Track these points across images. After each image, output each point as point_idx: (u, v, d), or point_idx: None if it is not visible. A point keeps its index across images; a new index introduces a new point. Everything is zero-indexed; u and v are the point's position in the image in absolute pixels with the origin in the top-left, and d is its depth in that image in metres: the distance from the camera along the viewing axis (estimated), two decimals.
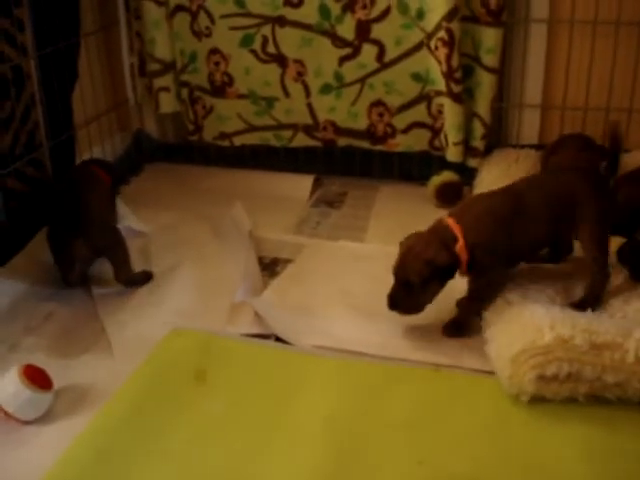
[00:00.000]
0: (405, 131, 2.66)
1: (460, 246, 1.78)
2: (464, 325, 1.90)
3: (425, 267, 1.77)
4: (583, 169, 1.99)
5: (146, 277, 2.19)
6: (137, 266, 2.22)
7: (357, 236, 2.42)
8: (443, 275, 1.81)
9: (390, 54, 2.55)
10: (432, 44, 2.45)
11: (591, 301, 1.83)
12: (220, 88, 2.76)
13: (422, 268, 1.77)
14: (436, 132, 2.63)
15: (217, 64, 2.72)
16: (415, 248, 1.80)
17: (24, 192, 2.30)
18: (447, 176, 2.58)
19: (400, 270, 1.81)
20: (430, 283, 1.80)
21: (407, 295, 1.82)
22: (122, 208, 2.48)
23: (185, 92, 2.80)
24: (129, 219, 2.48)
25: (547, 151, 2.45)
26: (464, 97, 2.49)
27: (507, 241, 1.83)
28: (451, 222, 1.81)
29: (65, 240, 2.08)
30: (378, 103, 2.64)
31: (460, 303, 1.90)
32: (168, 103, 2.82)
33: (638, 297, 1.85)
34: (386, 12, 2.50)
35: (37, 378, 1.66)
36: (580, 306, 1.82)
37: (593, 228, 1.87)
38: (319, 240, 2.40)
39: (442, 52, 2.41)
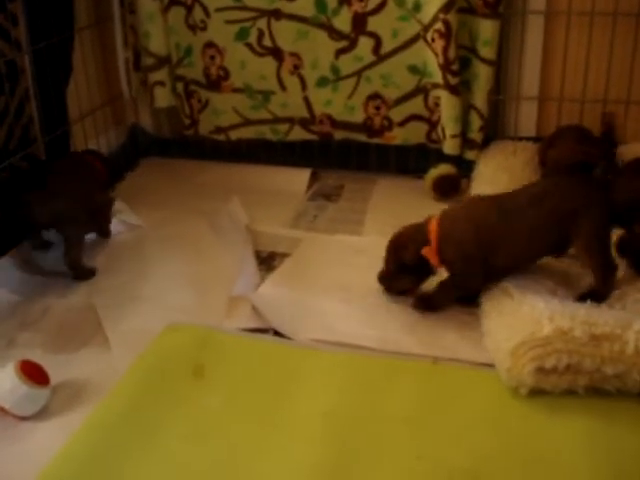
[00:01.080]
0: (402, 124, 2.65)
1: (430, 250, 1.86)
2: (433, 304, 1.93)
3: (393, 261, 1.94)
4: (580, 178, 1.95)
5: (89, 273, 2.18)
6: (134, 260, 2.22)
7: (354, 229, 2.41)
8: (414, 270, 1.93)
9: (387, 47, 2.54)
10: (429, 36, 2.44)
11: (600, 296, 1.82)
12: (216, 82, 2.74)
13: (391, 261, 1.95)
14: (433, 125, 2.62)
15: (212, 58, 2.71)
16: (394, 240, 1.95)
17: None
18: (444, 169, 2.57)
19: (385, 253, 1.96)
20: (401, 274, 1.95)
21: (387, 276, 1.98)
22: (118, 202, 2.47)
23: (180, 86, 2.79)
24: (125, 213, 2.47)
25: (545, 143, 2.44)
26: (461, 89, 2.48)
27: (484, 255, 1.85)
28: (433, 225, 1.88)
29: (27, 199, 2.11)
30: (375, 96, 2.63)
31: (439, 282, 1.94)
32: (163, 97, 2.81)
33: (637, 288, 1.85)
34: (382, 4, 2.49)
35: (34, 374, 1.65)
36: (588, 297, 1.80)
37: (591, 243, 1.84)
38: (316, 234, 2.39)
39: (439, 44, 2.40)
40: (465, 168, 2.57)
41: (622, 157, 2.35)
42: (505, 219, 1.85)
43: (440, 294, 1.93)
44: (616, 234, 2.04)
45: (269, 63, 2.67)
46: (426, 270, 1.94)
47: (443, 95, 2.48)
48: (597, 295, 1.82)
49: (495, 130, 2.66)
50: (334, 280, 2.11)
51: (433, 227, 1.88)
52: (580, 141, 2.32)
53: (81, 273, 2.17)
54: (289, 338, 1.87)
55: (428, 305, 1.94)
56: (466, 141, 2.58)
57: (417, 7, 2.45)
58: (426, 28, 2.44)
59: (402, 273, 1.96)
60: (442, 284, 1.93)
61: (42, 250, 2.26)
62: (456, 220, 1.90)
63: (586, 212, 1.82)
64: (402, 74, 2.57)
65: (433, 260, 1.88)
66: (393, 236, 1.95)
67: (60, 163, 2.35)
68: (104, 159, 2.49)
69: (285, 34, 2.61)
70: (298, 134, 2.77)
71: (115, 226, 2.42)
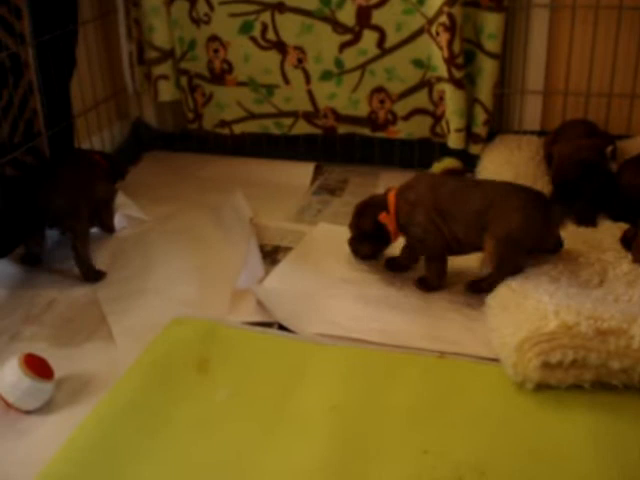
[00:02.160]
0: (406, 118, 2.65)
1: (386, 217, 1.99)
2: (427, 282, 2.01)
3: (354, 228, 2.10)
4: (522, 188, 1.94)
5: (99, 274, 2.14)
6: (138, 254, 2.23)
7: None
8: (374, 237, 2.06)
9: (391, 40, 2.53)
10: (433, 30, 2.44)
11: (479, 288, 1.93)
12: (219, 76, 2.74)
13: (353, 227, 2.11)
14: (437, 119, 2.61)
15: (216, 51, 2.70)
16: (356, 207, 2.11)
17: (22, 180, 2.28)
18: (449, 163, 2.56)
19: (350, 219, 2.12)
20: (362, 240, 2.10)
21: (351, 241, 2.14)
22: (121, 196, 2.47)
23: (184, 80, 2.78)
24: (129, 207, 2.46)
25: (551, 137, 2.44)
26: (466, 83, 2.48)
27: (441, 219, 1.93)
28: (392, 194, 2.01)
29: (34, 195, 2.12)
30: (379, 90, 2.62)
31: (403, 247, 2.07)
32: (167, 91, 2.80)
33: None
34: None
35: (38, 367, 1.65)
36: (471, 286, 1.96)
37: (496, 247, 1.86)
38: (320, 227, 2.38)
39: (443, 38, 2.39)
40: (469, 162, 2.57)
41: (627, 151, 2.35)
42: (454, 193, 1.94)
43: (426, 270, 2.01)
44: (621, 228, 2.04)
45: (273, 57, 2.66)
46: (385, 238, 2.05)
47: (448, 89, 2.48)
48: (475, 286, 1.95)
49: (500, 124, 2.66)
50: (338, 274, 2.11)
51: (392, 196, 2.01)
52: (586, 135, 2.31)
53: (91, 273, 2.13)
54: (294, 332, 1.87)
55: (423, 284, 2.01)
56: (470, 135, 2.57)
57: (421, 0, 2.44)
58: (431, 21, 2.44)
59: (363, 239, 2.10)
60: (404, 247, 2.06)
61: (28, 265, 2.20)
62: (412, 188, 2.00)
63: (504, 216, 1.85)
64: (406, 68, 2.56)
65: (390, 226, 1.99)
66: (357, 204, 2.10)
67: (61, 158, 2.36)
68: (104, 154, 2.48)
69: (289, 27, 2.61)
70: (302, 128, 2.76)
71: (119, 221, 2.41)
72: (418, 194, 1.97)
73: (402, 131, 2.67)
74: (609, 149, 2.19)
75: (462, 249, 1.97)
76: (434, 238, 1.95)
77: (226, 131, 2.83)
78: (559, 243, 1.95)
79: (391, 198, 2.01)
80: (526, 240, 1.86)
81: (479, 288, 1.94)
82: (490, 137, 2.59)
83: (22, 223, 2.17)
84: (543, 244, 1.91)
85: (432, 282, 2.00)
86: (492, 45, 2.44)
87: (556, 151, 2.29)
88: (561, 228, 1.91)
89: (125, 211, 2.44)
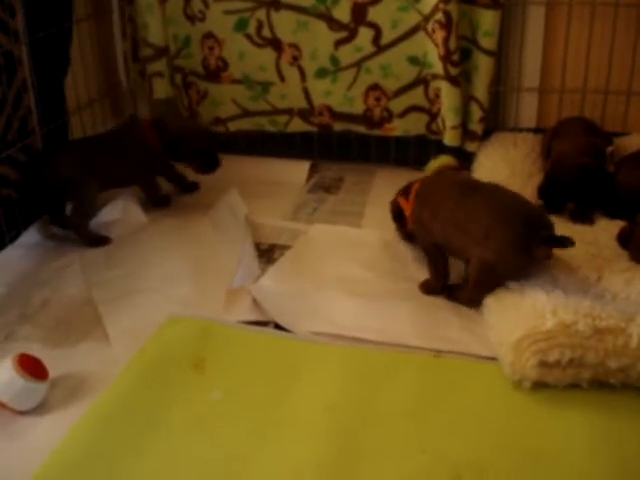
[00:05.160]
0: (402, 115, 2.64)
1: (403, 200, 2.08)
2: (427, 284, 2.02)
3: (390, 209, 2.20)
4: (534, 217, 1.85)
5: (99, 240, 2.29)
6: (133, 252, 2.23)
7: (354, 222, 2.40)
8: (398, 218, 2.16)
9: (387, 37, 2.52)
10: (429, 27, 2.43)
11: (457, 297, 1.94)
12: (214, 73, 2.73)
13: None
14: (433, 116, 2.60)
15: (211, 49, 2.69)
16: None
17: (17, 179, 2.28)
18: (445, 160, 2.54)
19: None
20: (395, 220, 2.19)
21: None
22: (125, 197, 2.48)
23: (179, 77, 2.77)
24: (131, 205, 2.46)
25: (548, 135, 2.43)
26: (461, 80, 2.47)
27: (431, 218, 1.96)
28: (417, 183, 2.07)
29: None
30: (375, 87, 2.61)
31: None
32: (162, 89, 2.79)
33: None
34: None
35: (32, 367, 1.64)
36: (448, 292, 1.96)
37: (479, 268, 1.84)
38: (316, 225, 2.38)
39: (439, 35, 2.38)
40: (465, 159, 2.55)
41: (624, 148, 2.34)
42: (462, 197, 1.91)
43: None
44: (618, 226, 2.04)
45: (268, 54, 2.65)
46: (404, 221, 2.11)
47: (443, 86, 2.47)
48: (453, 294, 1.95)
49: (496, 121, 2.65)
50: (334, 272, 2.10)
51: (417, 183, 2.06)
52: (584, 133, 2.31)
53: (86, 239, 2.28)
54: (290, 331, 1.86)
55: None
56: (466, 132, 2.56)
57: None
58: (426, 18, 2.43)
59: (394, 219, 2.18)
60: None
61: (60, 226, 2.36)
62: (431, 180, 2.08)
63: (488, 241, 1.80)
64: (402, 65, 2.55)
65: (406, 211, 2.06)
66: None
67: (98, 135, 2.56)
68: (160, 126, 2.47)
69: (284, 25, 2.59)
70: (297, 125, 2.75)
71: (112, 211, 2.44)
72: (427, 188, 2.02)
73: (398, 128, 2.67)
74: (610, 149, 2.19)
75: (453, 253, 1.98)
76: (424, 233, 2.00)
77: (221, 128, 2.82)
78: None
79: (416, 185, 2.06)
80: (505, 271, 1.82)
81: (455, 298, 1.94)
82: (486, 134, 2.58)
83: (35, 197, 2.32)
84: (523, 273, 1.83)
85: (429, 282, 2.01)
86: (488, 42, 2.43)
87: (555, 147, 2.28)
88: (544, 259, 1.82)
89: (127, 209, 2.44)
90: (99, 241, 2.29)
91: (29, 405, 1.63)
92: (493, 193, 1.92)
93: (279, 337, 1.85)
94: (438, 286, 1.99)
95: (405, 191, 2.11)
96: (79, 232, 2.29)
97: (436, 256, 1.99)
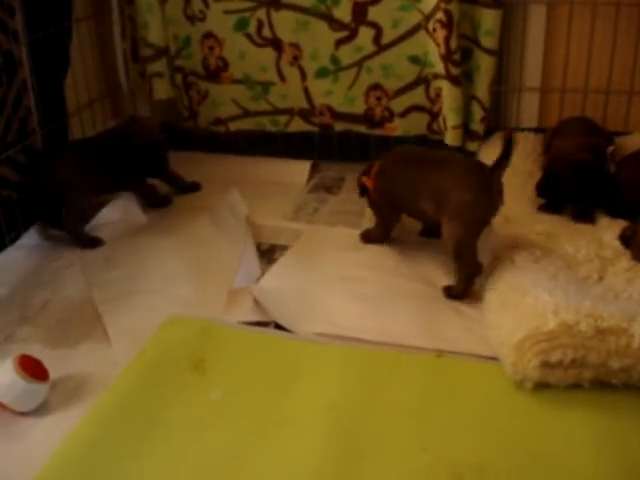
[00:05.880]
0: (403, 115, 2.63)
1: (366, 178, 2.17)
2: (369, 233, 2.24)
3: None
4: (470, 164, 2.03)
5: (92, 241, 2.29)
6: (133, 253, 2.23)
7: (355, 222, 2.39)
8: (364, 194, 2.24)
9: (387, 37, 2.52)
10: (430, 26, 2.42)
11: (454, 294, 1.96)
12: (215, 73, 2.72)
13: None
14: (434, 116, 2.60)
15: (211, 48, 2.68)
16: None
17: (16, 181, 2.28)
18: None
19: None
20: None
21: None
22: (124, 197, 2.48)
23: (179, 77, 2.76)
24: (131, 206, 2.46)
25: (549, 134, 2.43)
26: (462, 80, 2.46)
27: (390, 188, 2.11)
28: (379, 161, 2.17)
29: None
30: (376, 87, 2.61)
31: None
32: (162, 89, 2.79)
33: None
34: None
35: (33, 369, 1.63)
36: (446, 292, 1.97)
37: (449, 224, 1.92)
38: (317, 226, 2.38)
39: (440, 34, 2.38)
40: None
41: (626, 147, 2.34)
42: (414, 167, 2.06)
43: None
44: (620, 225, 2.04)
45: (268, 54, 2.65)
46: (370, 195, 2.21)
47: (444, 86, 2.46)
48: (449, 292, 1.96)
49: (497, 121, 2.65)
50: (335, 273, 2.10)
51: (376, 165, 2.16)
52: (585, 133, 2.30)
53: (80, 240, 2.27)
54: (290, 331, 1.86)
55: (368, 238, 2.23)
56: (468, 132, 2.56)
57: None
58: (427, 18, 2.42)
59: (362, 194, 2.23)
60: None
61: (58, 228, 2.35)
62: (388, 158, 2.15)
63: (455, 191, 1.91)
64: (403, 64, 2.55)
65: (367, 184, 2.16)
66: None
67: (95, 137, 2.52)
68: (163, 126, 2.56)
69: (284, 24, 2.59)
70: (298, 125, 2.75)
71: (111, 212, 2.44)
72: (385, 164, 2.14)
73: (399, 128, 2.66)
74: (610, 149, 2.18)
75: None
76: (386, 202, 2.14)
77: (222, 129, 2.81)
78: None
79: (376, 165, 2.16)
80: (478, 215, 1.92)
81: (451, 294, 1.96)
82: (487, 134, 2.58)
83: (34, 200, 2.32)
84: (491, 216, 1.95)
85: (370, 232, 2.23)
86: (489, 42, 2.43)
87: (555, 145, 2.28)
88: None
89: (127, 209, 2.44)
90: (93, 243, 2.28)
91: (30, 406, 1.62)
92: (442, 156, 2.08)
93: (280, 337, 1.84)
94: (380, 237, 2.21)
95: (367, 171, 2.18)
96: (73, 234, 2.29)
97: (388, 216, 2.17)
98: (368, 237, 2.23)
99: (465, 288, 1.94)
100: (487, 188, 1.90)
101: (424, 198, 1.98)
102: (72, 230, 2.29)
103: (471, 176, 1.92)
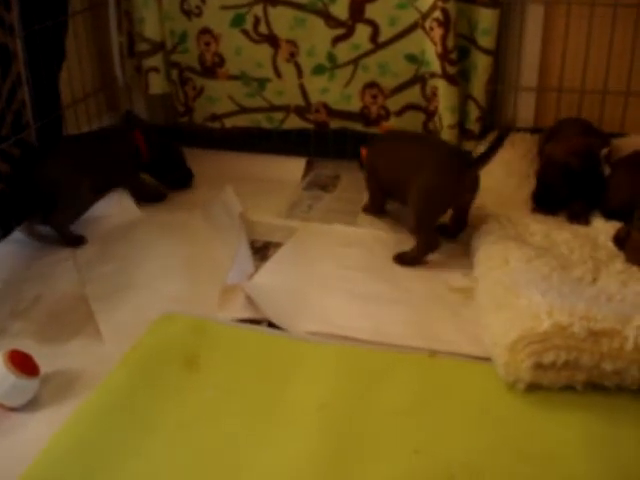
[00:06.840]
0: (399, 113, 2.63)
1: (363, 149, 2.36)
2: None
3: None
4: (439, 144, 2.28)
5: (76, 240, 2.27)
6: (126, 248, 2.23)
7: (349, 220, 2.38)
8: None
9: (384, 35, 2.51)
10: (427, 25, 2.42)
11: (406, 260, 2.09)
12: (211, 69, 2.71)
13: None
14: (430, 114, 2.59)
15: (208, 44, 2.67)
16: None
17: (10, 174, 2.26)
18: None
19: None
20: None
21: None
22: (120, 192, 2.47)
23: (175, 73, 2.75)
24: (126, 200, 2.45)
25: (545, 135, 2.42)
26: (459, 79, 2.46)
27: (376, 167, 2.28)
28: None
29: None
30: (372, 85, 2.60)
31: None
32: (157, 84, 2.78)
33: (636, 280, 1.83)
34: None
35: (23, 364, 1.62)
36: (397, 258, 2.10)
37: (414, 201, 2.06)
38: (311, 224, 2.37)
39: (437, 33, 2.37)
40: None
41: (621, 149, 2.33)
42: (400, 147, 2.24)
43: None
44: (614, 226, 2.03)
45: (265, 50, 2.64)
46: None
47: (441, 85, 2.46)
48: (401, 258, 2.09)
49: (493, 121, 2.64)
50: (329, 271, 2.09)
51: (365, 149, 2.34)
52: (581, 134, 2.30)
53: (66, 238, 2.25)
54: (283, 329, 1.85)
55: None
56: (463, 131, 2.56)
57: None
58: (424, 16, 2.42)
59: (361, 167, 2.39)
60: None
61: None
62: (382, 136, 2.38)
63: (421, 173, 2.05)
64: (400, 63, 2.54)
65: (362, 155, 2.33)
66: None
67: (87, 135, 2.53)
68: (146, 131, 2.53)
69: (281, 21, 2.58)
70: (293, 123, 2.74)
71: (110, 214, 2.41)
72: (378, 139, 2.37)
73: (395, 127, 2.65)
74: (604, 152, 2.18)
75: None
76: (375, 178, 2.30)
77: (217, 125, 2.80)
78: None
79: (364, 149, 2.35)
80: (443, 197, 2.06)
81: (402, 260, 2.09)
82: (483, 133, 2.57)
83: (26, 196, 2.30)
84: (457, 200, 2.10)
85: (367, 206, 2.40)
86: (486, 41, 2.42)
87: (547, 150, 2.27)
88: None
89: (122, 204, 2.43)
90: (77, 241, 2.26)
91: (19, 402, 1.62)
92: (422, 137, 2.37)
93: (273, 335, 1.84)
94: (371, 209, 2.37)
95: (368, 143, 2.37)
96: (59, 231, 2.26)
97: (374, 189, 2.32)
98: (365, 209, 2.40)
99: (417, 259, 2.08)
100: (458, 174, 2.03)
101: (400, 173, 2.12)
102: (58, 227, 2.27)
103: (445, 159, 2.07)
